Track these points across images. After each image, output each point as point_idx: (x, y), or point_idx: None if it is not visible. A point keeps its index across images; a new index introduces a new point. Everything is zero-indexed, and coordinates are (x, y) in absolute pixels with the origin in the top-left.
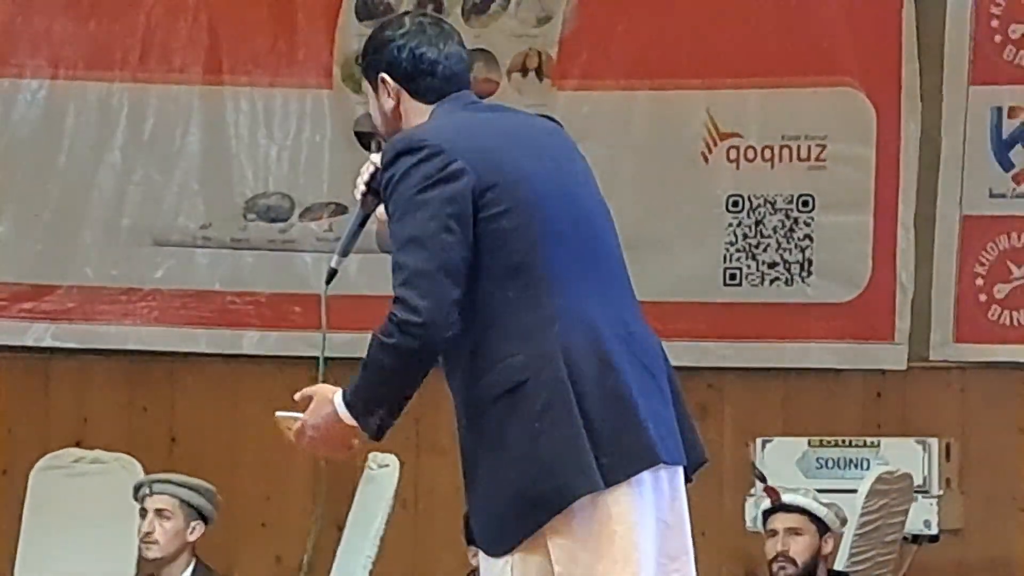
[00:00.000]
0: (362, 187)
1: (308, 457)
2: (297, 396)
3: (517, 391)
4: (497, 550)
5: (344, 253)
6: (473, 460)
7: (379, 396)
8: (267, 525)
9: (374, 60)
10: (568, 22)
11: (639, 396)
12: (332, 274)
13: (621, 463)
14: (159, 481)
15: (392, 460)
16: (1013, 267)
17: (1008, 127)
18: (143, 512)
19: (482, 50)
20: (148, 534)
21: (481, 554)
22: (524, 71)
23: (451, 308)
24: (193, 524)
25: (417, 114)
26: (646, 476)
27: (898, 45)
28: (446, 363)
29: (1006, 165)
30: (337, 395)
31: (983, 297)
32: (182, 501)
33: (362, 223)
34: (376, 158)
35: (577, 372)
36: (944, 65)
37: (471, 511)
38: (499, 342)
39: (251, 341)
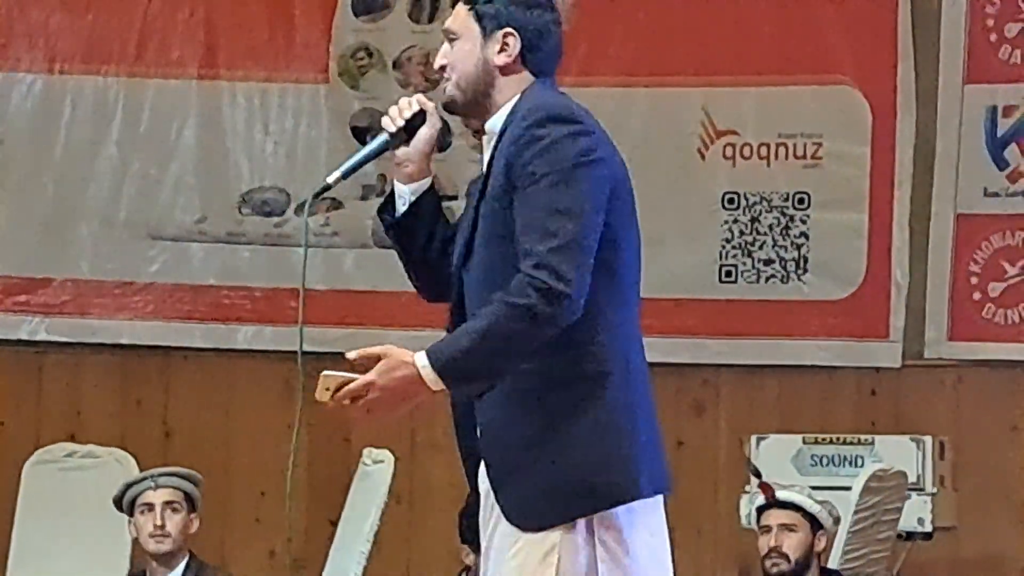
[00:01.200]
0: (400, 121)
1: (302, 452)
2: (354, 354)
3: (599, 380)
4: (534, 524)
5: (345, 174)
6: (526, 434)
7: (489, 362)
8: (261, 520)
9: (506, 12)
10: (564, 19)
11: (659, 426)
12: (324, 188)
13: (658, 479)
14: (165, 474)
15: (387, 456)
16: (1007, 265)
17: (1003, 126)
18: (146, 507)
19: None
20: (160, 527)
21: (504, 530)
22: None
23: (587, 288)
24: (193, 516)
25: (521, 81)
26: (660, 500)
27: (894, 44)
28: None
29: (1001, 164)
30: (419, 357)
31: (977, 295)
32: (186, 493)
33: (378, 153)
34: (423, 99)
35: (636, 385)
36: (939, 64)
37: (509, 482)
38: (588, 328)
39: (246, 335)
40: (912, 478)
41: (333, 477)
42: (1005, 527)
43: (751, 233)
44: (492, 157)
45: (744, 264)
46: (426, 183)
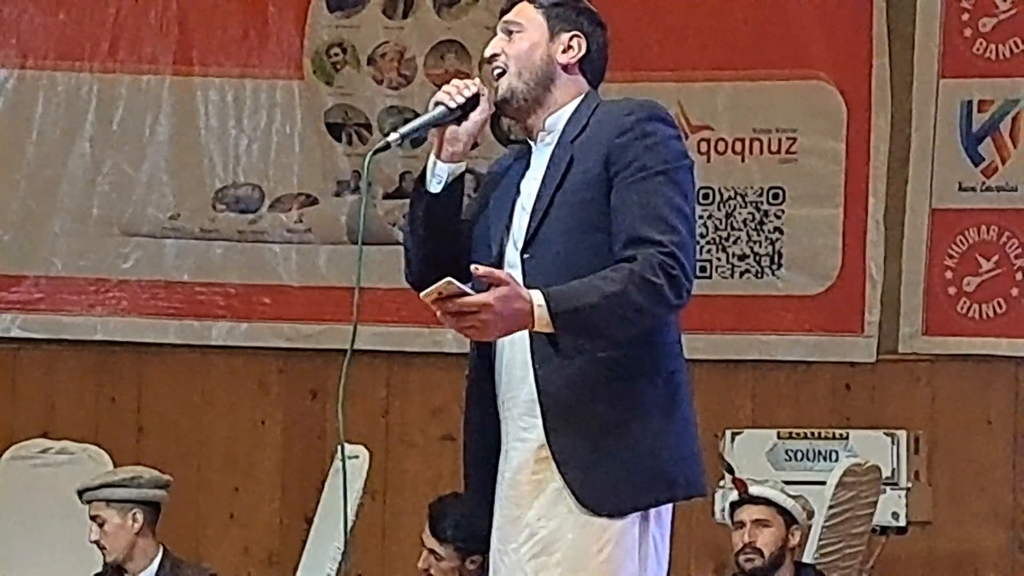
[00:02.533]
0: (460, 99)
1: (276, 448)
2: (483, 271)
3: (674, 376)
4: (609, 508)
5: (404, 136)
6: (599, 417)
7: (606, 324)
8: (235, 516)
9: (576, 18)
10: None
11: None
12: (384, 147)
13: (706, 482)
14: (86, 490)
15: (361, 451)
16: (982, 260)
17: (978, 121)
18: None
19: (453, 42)
20: (95, 542)
21: (558, 510)
22: None
23: None
24: (131, 514)
25: (578, 85)
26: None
27: (868, 39)
28: None
29: (976, 159)
30: (536, 295)
31: (952, 290)
32: (108, 501)
33: (436, 123)
34: (482, 85)
35: (692, 391)
36: (914, 59)
37: (583, 467)
38: (665, 327)
39: (220, 332)
40: (887, 472)
41: (307, 473)
42: (980, 521)
43: (726, 228)
44: (563, 153)
45: (719, 259)
46: (462, 167)
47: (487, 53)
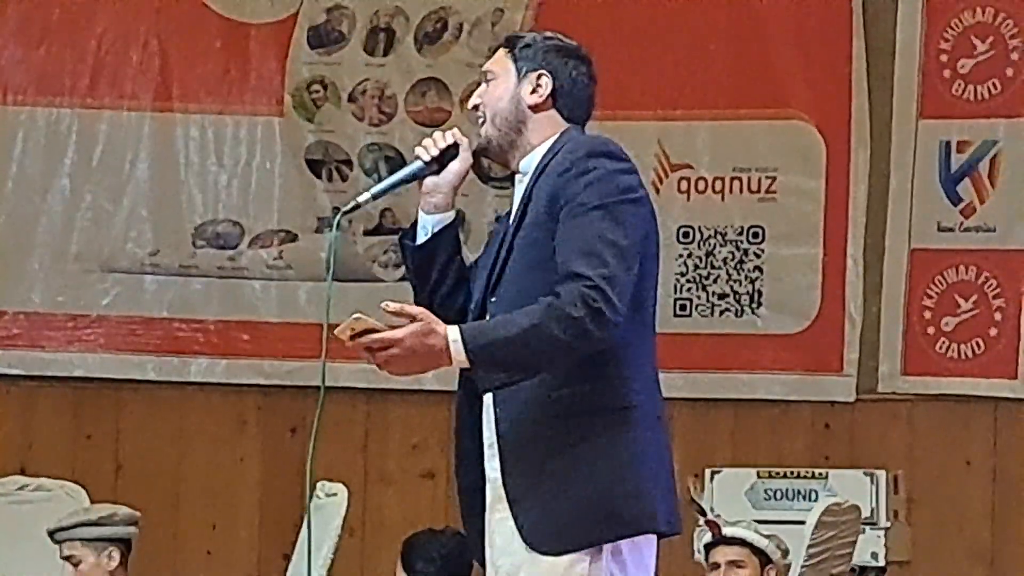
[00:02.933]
0: (435, 151)
1: (254, 485)
2: (395, 306)
3: (629, 412)
4: (553, 547)
5: (376, 196)
6: (555, 459)
7: (522, 358)
8: (212, 553)
9: (540, 56)
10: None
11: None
12: (355, 207)
13: (674, 518)
14: (58, 530)
15: (340, 488)
16: (961, 300)
17: (956, 161)
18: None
19: (434, 79)
20: None
21: (513, 549)
22: None
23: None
24: (107, 552)
25: (554, 123)
26: (654, 540)
27: (848, 79)
28: None
29: (954, 199)
30: (451, 331)
31: (931, 330)
32: (83, 540)
33: (410, 179)
34: (459, 133)
35: (661, 420)
36: (894, 99)
37: (530, 505)
38: (620, 361)
39: (199, 368)
40: (866, 512)
41: (286, 510)
42: (959, 561)
43: (706, 267)
44: (528, 194)
45: (699, 298)
46: (449, 216)
47: (470, 104)
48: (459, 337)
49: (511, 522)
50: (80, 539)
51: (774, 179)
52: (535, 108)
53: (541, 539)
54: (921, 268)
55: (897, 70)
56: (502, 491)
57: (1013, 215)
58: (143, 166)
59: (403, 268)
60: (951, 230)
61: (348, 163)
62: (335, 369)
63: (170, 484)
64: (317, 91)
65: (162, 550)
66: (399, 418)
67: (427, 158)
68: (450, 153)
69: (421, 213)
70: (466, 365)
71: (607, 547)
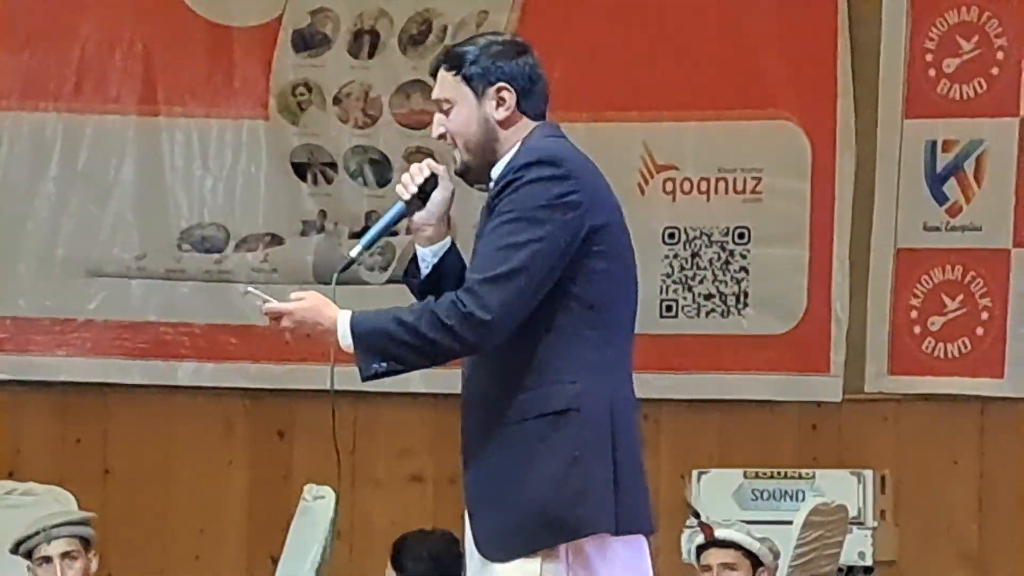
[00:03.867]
0: (413, 188)
1: (242, 489)
2: (295, 294)
3: (566, 416)
4: (499, 555)
5: (368, 246)
6: (496, 465)
7: (396, 354)
8: (200, 558)
9: (493, 68)
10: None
11: (643, 466)
12: (349, 263)
13: (633, 518)
14: (58, 525)
15: (328, 492)
16: (947, 300)
17: (942, 160)
18: (43, 560)
19: (419, 82)
20: None
21: (478, 561)
22: None
23: (513, 322)
24: (91, 556)
25: (521, 128)
26: (640, 540)
27: (833, 79)
28: (489, 362)
29: (940, 198)
30: (343, 316)
31: (917, 329)
32: (81, 538)
33: (396, 221)
34: (434, 163)
35: (618, 423)
36: (879, 99)
37: (480, 514)
38: (560, 366)
39: (186, 372)
40: (853, 512)
41: (273, 513)
42: (946, 561)
43: (691, 268)
44: (487, 203)
45: (685, 299)
46: (446, 243)
47: (434, 135)
48: (346, 319)
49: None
50: (79, 537)
51: (759, 180)
52: (504, 122)
53: (489, 548)
54: (907, 268)
55: (882, 70)
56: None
57: (999, 214)
58: (128, 170)
59: (389, 271)
60: (937, 229)
61: (333, 166)
62: (321, 372)
63: (158, 488)
64: (302, 94)
65: (150, 554)
66: (387, 422)
67: (407, 197)
68: (430, 184)
69: (418, 248)
70: (349, 347)
71: (564, 548)
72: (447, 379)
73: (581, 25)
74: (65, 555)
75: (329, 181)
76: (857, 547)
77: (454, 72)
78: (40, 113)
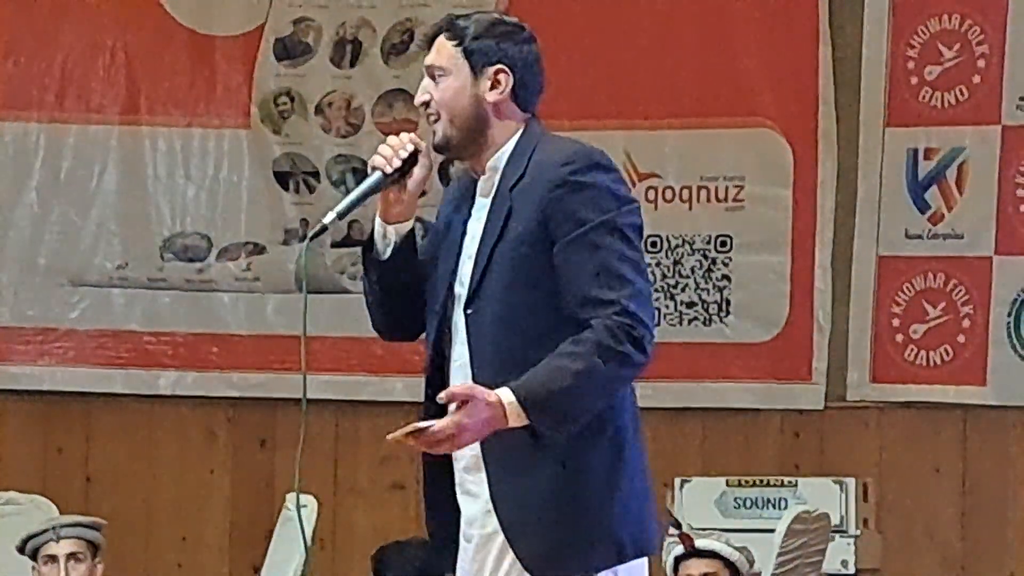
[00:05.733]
0: (397, 162)
1: (224, 498)
2: (444, 396)
3: (621, 434)
4: (554, 573)
5: (341, 215)
6: (552, 484)
7: (581, 403)
8: (183, 566)
9: (496, 48)
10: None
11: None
12: (321, 230)
13: (655, 539)
14: (67, 525)
15: (310, 500)
16: (929, 307)
17: (924, 168)
18: (49, 559)
19: (401, 91)
20: None
21: (515, 570)
22: None
23: None
24: (97, 562)
25: (513, 118)
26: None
27: (815, 87)
28: (515, 372)
29: (922, 206)
30: (504, 393)
31: (900, 337)
32: (88, 541)
33: (372, 193)
34: (416, 139)
35: (640, 437)
36: (860, 107)
37: (531, 532)
38: None
39: (168, 381)
40: (836, 520)
41: (256, 522)
42: (929, 568)
43: (673, 276)
44: (507, 202)
45: (667, 307)
46: (410, 224)
47: (417, 101)
48: (514, 399)
49: (502, 537)
50: (86, 540)
51: (741, 187)
52: (496, 106)
53: (539, 567)
54: (889, 275)
55: (864, 78)
56: (493, 514)
57: (981, 222)
58: (111, 179)
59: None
60: (919, 237)
61: (315, 175)
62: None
63: (140, 497)
64: (284, 103)
65: (132, 563)
66: (369, 430)
67: (389, 170)
68: (410, 161)
69: (381, 222)
70: (524, 421)
71: (603, 574)
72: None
73: (563, 33)
74: (71, 556)
75: (311, 190)
76: (840, 555)
77: (456, 42)
78: (22, 123)
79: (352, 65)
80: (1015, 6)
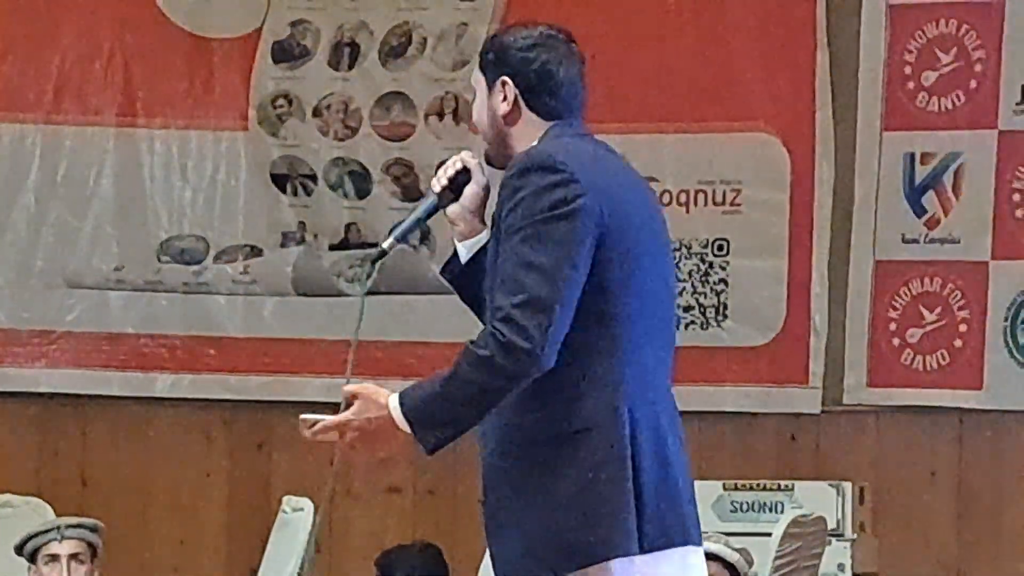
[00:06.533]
0: (444, 180)
1: (221, 501)
2: (345, 388)
3: (580, 436)
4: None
5: (400, 238)
6: (511, 489)
7: (452, 412)
8: (179, 570)
9: (499, 60)
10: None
11: (681, 474)
12: (381, 254)
13: (662, 534)
14: (71, 526)
15: (307, 504)
16: (926, 312)
17: (920, 173)
18: (51, 558)
19: (399, 93)
20: None
21: None
22: (441, 115)
23: (556, 345)
24: (95, 566)
25: (532, 126)
26: (679, 552)
27: (812, 91)
28: None
29: (919, 211)
30: (392, 399)
31: (896, 341)
32: (89, 543)
33: (429, 215)
34: (468, 155)
35: (636, 436)
36: (858, 111)
37: (499, 540)
38: (571, 382)
39: (164, 384)
40: (832, 524)
41: (252, 525)
42: (925, 572)
43: None
44: None
45: None
46: (482, 238)
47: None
48: (397, 404)
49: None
50: (87, 542)
51: (739, 192)
52: (507, 116)
53: (505, 570)
54: (886, 280)
55: (861, 82)
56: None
57: (977, 227)
58: (107, 182)
59: (369, 283)
60: (916, 242)
61: (313, 177)
62: (302, 383)
63: (137, 500)
64: (282, 106)
65: (129, 566)
66: None
67: (438, 189)
68: (461, 178)
69: (455, 243)
70: (407, 431)
71: (584, 572)
72: None
73: None
74: (73, 556)
75: (309, 193)
76: (836, 559)
77: (480, 60)
78: (19, 124)
79: (350, 68)
80: (1012, 11)
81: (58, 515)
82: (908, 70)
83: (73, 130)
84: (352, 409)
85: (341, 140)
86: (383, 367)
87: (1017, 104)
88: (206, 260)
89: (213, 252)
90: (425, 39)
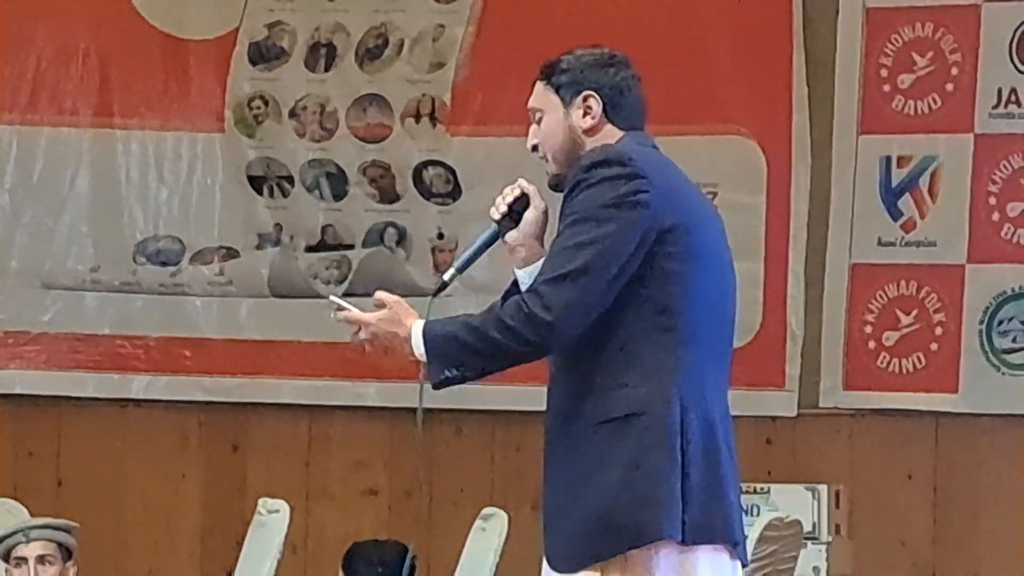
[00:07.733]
0: (504, 208)
1: (196, 502)
2: (378, 295)
3: (630, 420)
4: (565, 566)
5: (461, 269)
6: (562, 471)
7: (466, 359)
8: (154, 571)
9: (581, 77)
10: (461, 68)
11: (730, 475)
12: (442, 286)
13: (704, 527)
14: (37, 527)
15: (282, 505)
16: (902, 315)
17: (897, 176)
18: (20, 560)
19: (376, 95)
20: None
21: (547, 571)
22: (418, 117)
23: (581, 321)
24: (68, 565)
25: (607, 136)
26: (726, 552)
27: (788, 94)
28: (566, 368)
29: (895, 214)
30: (416, 327)
31: (872, 344)
32: (59, 544)
33: (490, 243)
34: (524, 182)
35: (687, 427)
36: (834, 114)
37: (551, 524)
38: (625, 369)
39: (140, 385)
40: (808, 527)
41: (228, 527)
42: (900, 575)
43: None
44: None
45: None
46: (539, 264)
47: (528, 145)
48: (420, 332)
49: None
50: (57, 542)
51: (715, 194)
52: (590, 131)
53: (552, 557)
54: (862, 283)
55: (837, 85)
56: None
57: (953, 230)
58: (83, 182)
59: (345, 284)
60: (892, 245)
61: (289, 179)
62: (277, 385)
63: (111, 501)
64: (258, 107)
65: (104, 567)
66: (341, 435)
67: (497, 217)
68: (520, 204)
69: (515, 270)
70: (423, 355)
71: (618, 560)
72: (402, 393)
73: (536, 40)
74: (41, 558)
75: (285, 194)
76: (812, 562)
77: (545, 82)
78: None
79: (326, 69)
80: (987, 14)
81: (33, 516)
82: (884, 73)
83: (49, 131)
84: (378, 315)
85: (317, 142)
86: (357, 370)
87: (993, 107)
88: (182, 261)
89: (189, 253)
90: (402, 41)
